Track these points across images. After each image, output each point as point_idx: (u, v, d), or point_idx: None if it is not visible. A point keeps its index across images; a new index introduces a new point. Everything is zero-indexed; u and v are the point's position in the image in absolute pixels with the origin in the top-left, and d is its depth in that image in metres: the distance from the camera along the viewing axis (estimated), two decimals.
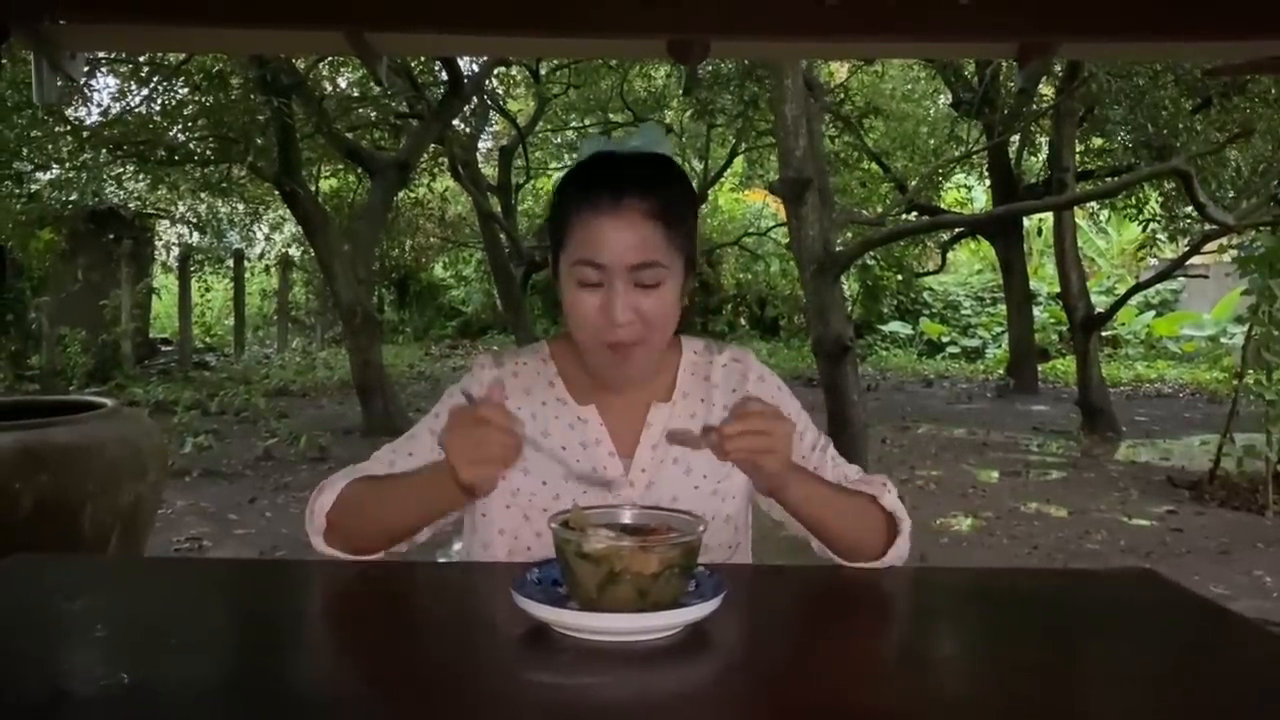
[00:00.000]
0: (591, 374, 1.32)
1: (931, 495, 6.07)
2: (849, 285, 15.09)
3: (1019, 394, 11.02)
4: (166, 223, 13.27)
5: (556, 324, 14.51)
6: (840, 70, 11.89)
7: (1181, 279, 14.18)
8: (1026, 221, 13.25)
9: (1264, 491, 5.69)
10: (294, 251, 15.20)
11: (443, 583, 1.31)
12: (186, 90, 8.02)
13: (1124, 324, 14.72)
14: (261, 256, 15.23)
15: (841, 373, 6.04)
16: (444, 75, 8.65)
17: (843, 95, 11.06)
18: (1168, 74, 7.73)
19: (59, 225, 10.00)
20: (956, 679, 1.03)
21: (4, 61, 6.17)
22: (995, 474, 6.85)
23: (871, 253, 13.14)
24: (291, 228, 13.36)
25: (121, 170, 9.54)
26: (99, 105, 9.32)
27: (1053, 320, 14.63)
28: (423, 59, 8.67)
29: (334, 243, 8.03)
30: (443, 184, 13.72)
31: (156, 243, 13.57)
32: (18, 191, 9.22)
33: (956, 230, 12.93)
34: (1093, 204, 12.23)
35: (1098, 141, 10.70)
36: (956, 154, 11.36)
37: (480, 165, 12.33)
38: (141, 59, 7.48)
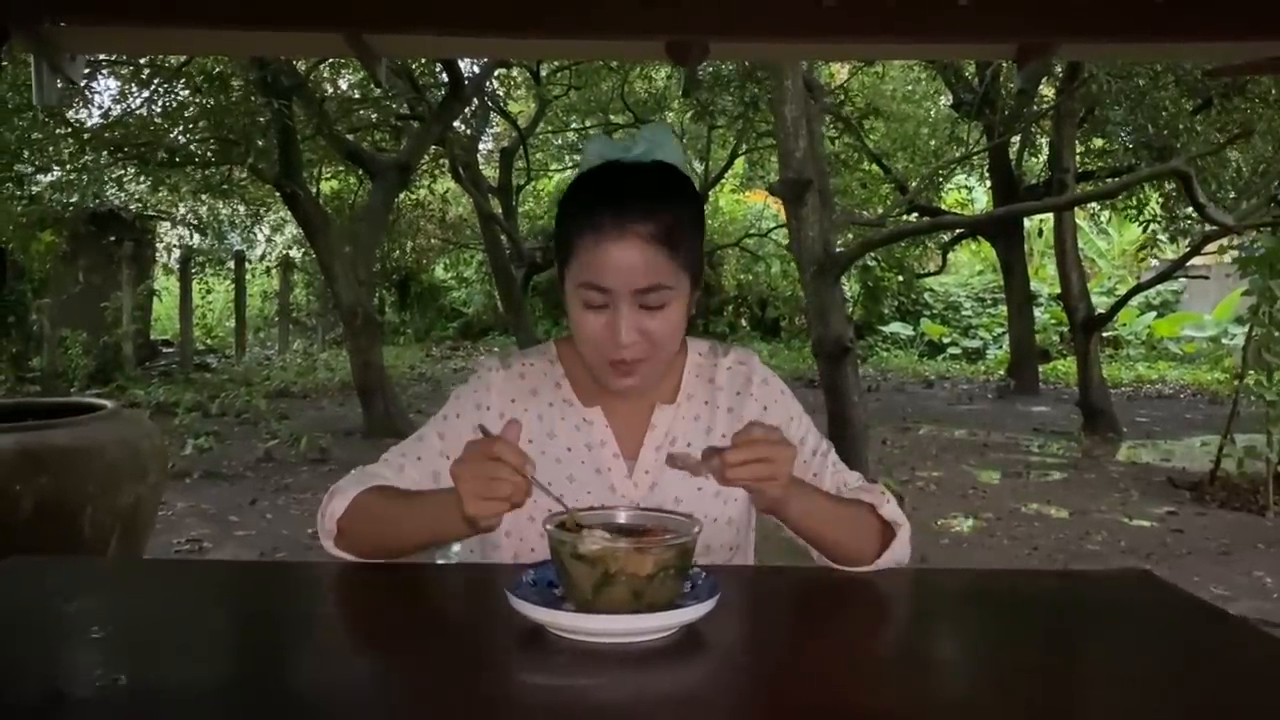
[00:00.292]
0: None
1: (932, 496, 6.07)
2: (850, 286, 15.10)
3: (1020, 395, 11.02)
4: (167, 224, 13.28)
5: (558, 325, 14.51)
6: (841, 71, 11.89)
7: (1182, 280, 14.20)
8: (1027, 222, 13.26)
9: (1264, 492, 5.69)
10: (295, 253, 15.21)
11: (441, 584, 1.32)
12: (187, 92, 8.03)
13: (1125, 325, 14.72)
14: (262, 258, 15.23)
15: (842, 374, 6.04)
16: (445, 77, 8.66)
17: (843, 96, 11.06)
18: (1168, 75, 7.72)
19: (60, 227, 10.00)
20: (954, 680, 1.03)
21: (4, 63, 6.18)
22: (996, 475, 6.85)
23: (872, 254, 13.15)
24: (292, 229, 13.36)
25: (122, 172, 9.55)
26: (100, 107, 9.32)
27: (1053, 321, 14.63)
28: (423, 60, 8.67)
29: (335, 244, 8.03)
30: (443, 185, 13.74)
31: (157, 244, 13.57)
32: (19, 193, 9.23)
33: (957, 231, 12.94)
34: (1093, 205, 12.22)
35: (1098, 142, 10.69)
36: (957, 155, 11.37)
37: (481, 167, 12.33)
38: (142, 61, 7.49)
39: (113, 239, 11.11)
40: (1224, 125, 8.18)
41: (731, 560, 1.34)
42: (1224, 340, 13.65)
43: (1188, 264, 8.64)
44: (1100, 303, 10.66)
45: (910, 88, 12.85)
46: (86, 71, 6.95)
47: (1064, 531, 5.30)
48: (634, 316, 1.19)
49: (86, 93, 8.01)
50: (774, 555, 1.42)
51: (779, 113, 6.13)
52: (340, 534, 1.27)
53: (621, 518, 1.13)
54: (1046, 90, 9.99)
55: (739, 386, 1.37)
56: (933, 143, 12.44)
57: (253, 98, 7.58)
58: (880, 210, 11.47)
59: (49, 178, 9.34)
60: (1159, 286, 12.18)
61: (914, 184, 10.68)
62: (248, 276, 14.51)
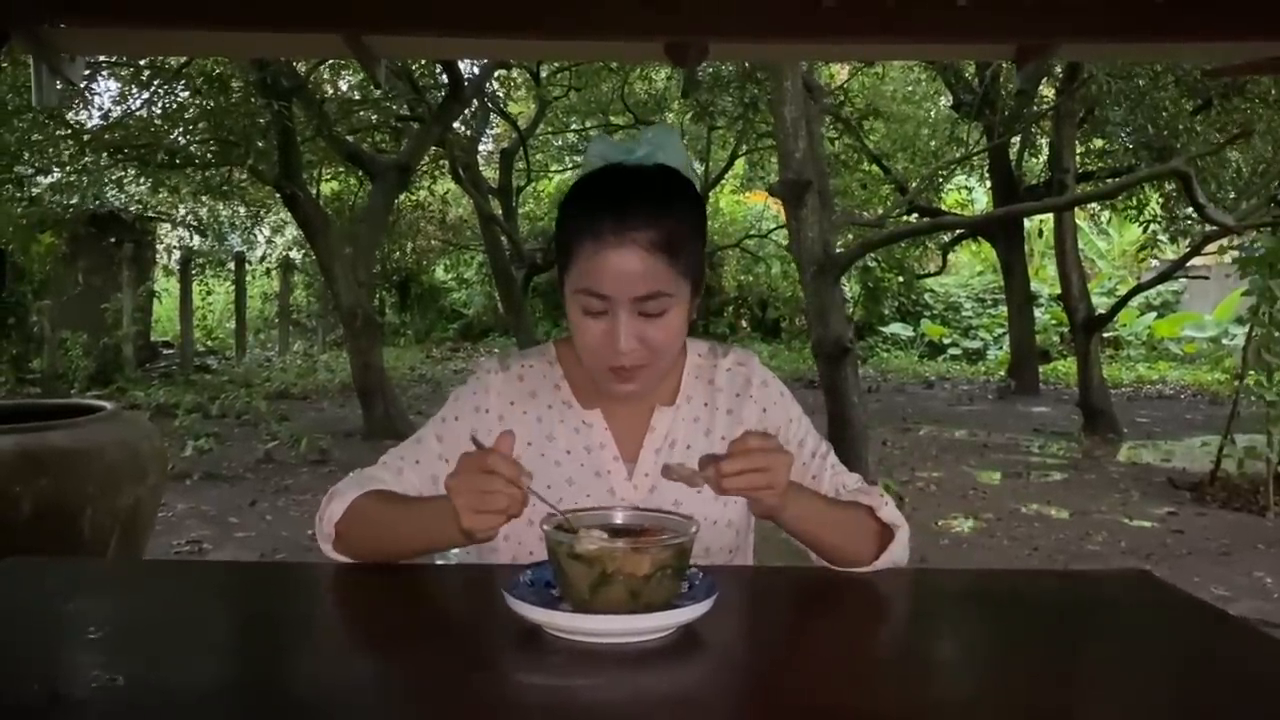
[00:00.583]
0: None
1: (932, 496, 6.07)
2: (850, 287, 15.09)
3: (1020, 395, 11.02)
4: (167, 226, 13.29)
5: (558, 326, 14.51)
6: (840, 72, 11.89)
7: (1183, 280, 14.19)
8: (1027, 223, 13.26)
9: (1265, 493, 5.69)
10: (295, 254, 15.21)
11: (439, 585, 1.32)
12: (187, 94, 8.04)
13: (1125, 325, 14.72)
14: (262, 259, 15.23)
15: (842, 374, 6.04)
16: (444, 78, 8.66)
17: (843, 97, 11.06)
18: (1168, 75, 7.73)
19: (60, 229, 10.01)
20: (953, 680, 1.03)
21: (4, 65, 6.18)
22: (996, 475, 6.85)
23: (872, 254, 13.14)
24: (292, 231, 13.36)
25: (122, 173, 9.55)
26: (99, 109, 9.31)
27: (1054, 322, 14.62)
28: (423, 61, 8.68)
29: (335, 245, 8.03)
30: (443, 186, 13.74)
31: (158, 246, 13.58)
32: (19, 195, 9.23)
33: (957, 232, 12.94)
34: (1093, 205, 12.22)
35: (1098, 143, 10.69)
36: (957, 155, 11.36)
37: (481, 168, 12.34)
38: (141, 62, 7.49)
39: (113, 240, 11.11)
40: (1224, 125, 8.18)
41: (731, 562, 1.34)
42: (1224, 340, 13.66)
43: (1188, 264, 8.63)
44: (1100, 303, 10.66)
45: (910, 88, 12.85)
46: (86, 73, 6.95)
47: (1064, 532, 5.30)
48: (633, 324, 1.19)
49: (86, 94, 8.01)
50: (773, 557, 1.42)
51: (778, 113, 6.13)
52: (338, 538, 1.27)
53: (619, 518, 1.13)
54: (1046, 91, 9.99)
55: (738, 388, 1.37)
56: (933, 143, 12.43)
57: (253, 99, 7.58)
58: (880, 211, 11.46)
59: (49, 179, 9.34)
60: (1159, 287, 12.17)
61: (914, 185, 10.68)
62: (248, 278, 14.52)
